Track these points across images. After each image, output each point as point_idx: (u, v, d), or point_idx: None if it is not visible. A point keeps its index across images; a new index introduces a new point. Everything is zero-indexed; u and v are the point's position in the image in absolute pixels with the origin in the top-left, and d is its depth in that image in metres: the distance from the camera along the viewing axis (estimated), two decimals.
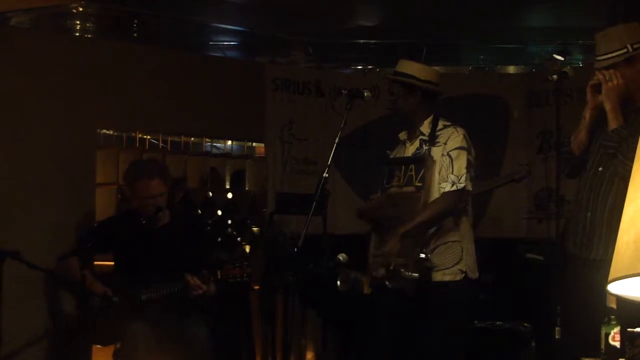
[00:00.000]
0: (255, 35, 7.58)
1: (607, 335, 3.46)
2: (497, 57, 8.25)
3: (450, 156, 4.63)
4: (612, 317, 3.47)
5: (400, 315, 4.65)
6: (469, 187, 4.63)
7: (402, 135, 4.87)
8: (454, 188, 4.59)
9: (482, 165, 7.65)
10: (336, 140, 4.48)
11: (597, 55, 4.15)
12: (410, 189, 4.66)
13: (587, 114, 4.14)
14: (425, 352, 4.65)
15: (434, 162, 4.63)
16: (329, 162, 4.43)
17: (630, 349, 3.16)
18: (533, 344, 6.02)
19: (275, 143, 7.71)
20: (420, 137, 4.74)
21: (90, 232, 5.80)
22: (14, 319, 5.49)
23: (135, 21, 6.97)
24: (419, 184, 4.62)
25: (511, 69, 8.49)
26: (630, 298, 2.03)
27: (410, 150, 4.79)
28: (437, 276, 4.59)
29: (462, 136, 4.68)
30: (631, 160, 3.88)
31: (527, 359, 6.06)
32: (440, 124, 4.74)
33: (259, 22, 7.16)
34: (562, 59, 4.11)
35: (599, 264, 3.96)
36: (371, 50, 7.92)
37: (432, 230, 4.62)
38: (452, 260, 4.63)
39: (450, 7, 6.69)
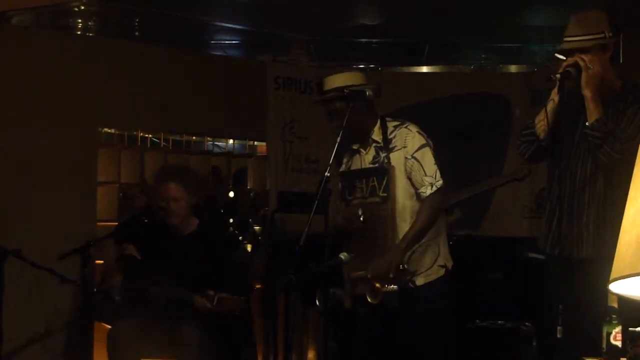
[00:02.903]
0: (256, 34, 7.57)
1: (609, 334, 3.46)
2: (499, 56, 8.25)
3: (416, 158, 4.56)
4: (614, 316, 3.46)
5: (386, 326, 4.63)
6: (443, 183, 4.59)
7: (355, 145, 4.77)
8: (434, 189, 4.56)
9: (484, 164, 7.67)
10: (337, 139, 4.47)
11: (570, 36, 4.07)
12: (376, 199, 4.61)
13: (556, 98, 4.06)
14: (424, 352, 4.64)
15: (394, 168, 4.59)
16: (330, 161, 4.43)
17: (632, 349, 3.16)
18: (534, 343, 6.01)
19: (277, 142, 7.71)
20: (374, 144, 4.68)
21: (122, 225, 5.85)
22: (15, 317, 5.49)
23: (137, 20, 6.97)
24: (384, 194, 4.58)
25: (513, 68, 8.48)
26: (632, 297, 2.03)
27: (366, 159, 4.71)
28: (421, 280, 4.57)
29: (417, 133, 4.61)
30: (618, 152, 3.88)
31: (529, 359, 6.05)
32: (390, 126, 4.67)
33: (261, 21, 7.16)
34: (564, 58, 4.05)
35: (589, 263, 3.95)
36: (373, 49, 7.92)
37: None
38: (432, 260, 4.62)
39: (452, 6, 6.69)
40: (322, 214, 4.38)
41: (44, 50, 6.45)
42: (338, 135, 4.48)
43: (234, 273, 5.54)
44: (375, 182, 4.62)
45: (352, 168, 4.80)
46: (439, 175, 4.57)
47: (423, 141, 4.61)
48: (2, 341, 5.22)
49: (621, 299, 3.03)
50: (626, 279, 1.89)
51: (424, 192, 4.56)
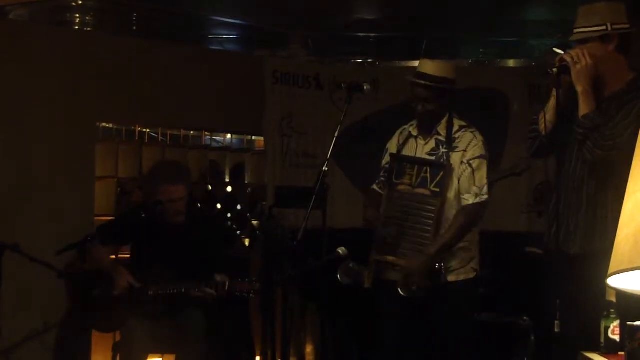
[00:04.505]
0: (254, 29, 7.56)
1: (607, 328, 3.46)
2: (497, 50, 8.23)
3: (471, 165, 4.57)
4: (612, 310, 3.46)
5: (410, 315, 4.62)
6: (488, 198, 4.62)
7: (413, 131, 4.76)
8: (478, 200, 4.57)
9: None
10: (336, 134, 4.46)
11: (575, 27, 4.04)
12: (424, 191, 4.58)
13: (554, 93, 4.06)
14: (442, 348, 4.64)
15: (452, 169, 4.57)
16: (328, 156, 4.42)
17: (630, 343, 3.15)
18: (532, 337, 6.01)
19: (275, 136, 7.70)
20: (437, 137, 4.67)
21: (104, 227, 5.83)
22: (13, 312, 5.49)
23: (135, 14, 6.96)
24: (436, 189, 4.55)
25: (511, 63, 8.47)
26: (630, 291, 2.03)
27: (425, 149, 4.69)
28: (452, 277, 4.58)
29: (482, 143, 4.63)
30: (601, 149, 3.87)
31: (527, 353, 6.05)
32: (456, 124, 4.67)
33: (259, 16, 7.15)
34: (563, 52, 4.04)
35: (585, 260, 3.94)
36: (371, 44, 7.91)
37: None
38: (467, 260, 4.62)
39: (450, 1, 6.68)
40: (319, 209, 4.38)
41: (41, 45, 6.44)
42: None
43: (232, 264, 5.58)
44: (428, 174, 4.59)
45: (404, 153, 4.77)
46: (487, 190, 4.61)
47: (483, 152, 4.64)
48: (1, 335, 5.23)
49: (619, 293, 3.03)
50: (624, 273, 1.89)
51: (466, 200, 4.57)
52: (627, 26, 4.00)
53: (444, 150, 4.60)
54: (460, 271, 4.61)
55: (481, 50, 8.23)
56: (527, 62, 8.30)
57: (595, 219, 3.98)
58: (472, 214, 4.59)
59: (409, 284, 4.43)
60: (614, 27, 3.97)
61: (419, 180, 4.61)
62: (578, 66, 3.92)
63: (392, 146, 4.84)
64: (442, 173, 4.54)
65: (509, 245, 6.61)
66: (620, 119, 3.90)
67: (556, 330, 3.70)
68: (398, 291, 4.45)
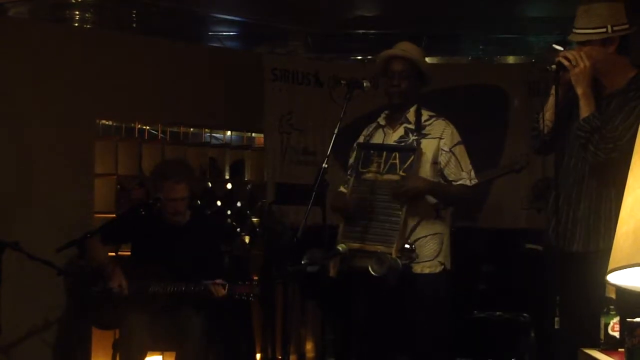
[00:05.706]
0: (254, 26, 7.56)
1: (607, 325, 3.46)
2: (497, 47, 8.23)
3: (453, 153, 4.60)
4: (612, 307, 3.46)
5: (379, 304, 4.62)
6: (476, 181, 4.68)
7: (382, 120, 4.77)
8: (470, 183, 4.63)
9: (481, 155, 7.65)
10: (335, 131, 4.46)
11: (575, 28, 4.00)
12: (393, 177, 4.55)
13: (554, 92, 4.04)
14: (407, 343, 4.64)
15: (423, 153, 4.58)
16: (328, 153, 4.42)
17: (630, 339, 3.15)
18: (532, 334, 6.02)
19: (274, 133, 7.70)
20: (405, 124, 4.67)
21: (105, 226, 5.84)
22: (13, 309, 5.49)
23: (134, 11, 6.96)
24: (404, 174, 4.57)
25: (511, 59, 8.48)
26: (630, 288, 2.03)
27: (392, 137, 4.69)
28: (417, 268, 4.56)
29: (454, 129, 4.66)
30: (603, 152, 3.85)
31: (526, 349, 6.06)
32: (425, 114, 4.68)
33: (258, 13, 7.15)
34: (562, 49, 4.02)
35: (585, 257, 3.94)
36: (370, 41, 7.90)
37: (416, 221, 4.60)
38: (433, 253, 4.60)
39: None
40: (319, 205, 4.37)
41: (41, 42, 6.44)
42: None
43: (233, 262, 5.58)
44: (397, 160, 4.58)
45: (372, 142, 4.78)
46: (474, 174, 4.66)
47: (459, 138, 4.68)
48: (1, 333, 5.23)
49: (619, 290, 3.03)
50: (624, 270, 1.90)
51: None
52: (627, 26, 3.97)
53: (413, 138, 4.61)
54: (426, 264, 4.58)
55: (481, 47, 8.23)
56: (527, 59, 8.30)
57: (598, 217, 3.98)
58: (467, 191, 4.65)
59: (382, 260, 4.38)
60: (614, 28, 3.93)
61: (387, 167, 4.60)
62: (577, 69, 3.90)
63: (360, 140, 4.87)
64: (412, 157, 4.54)
65: (509, 242, 6.62)
66: (621, 121, 3.88)
67: (556, 326, 3.70)
68: (367, 276, 4.38)
